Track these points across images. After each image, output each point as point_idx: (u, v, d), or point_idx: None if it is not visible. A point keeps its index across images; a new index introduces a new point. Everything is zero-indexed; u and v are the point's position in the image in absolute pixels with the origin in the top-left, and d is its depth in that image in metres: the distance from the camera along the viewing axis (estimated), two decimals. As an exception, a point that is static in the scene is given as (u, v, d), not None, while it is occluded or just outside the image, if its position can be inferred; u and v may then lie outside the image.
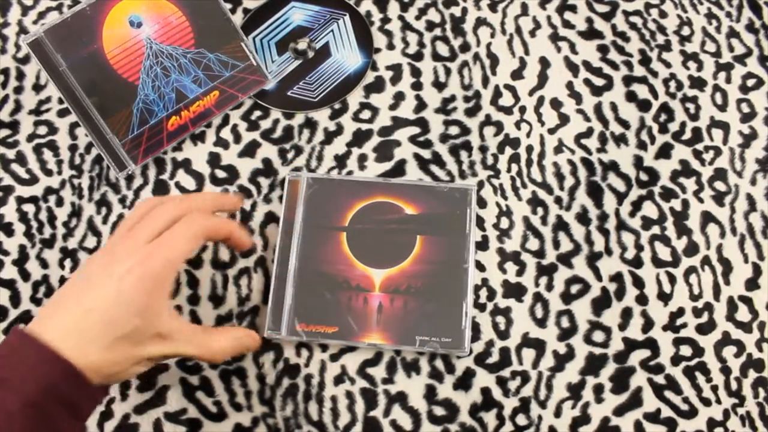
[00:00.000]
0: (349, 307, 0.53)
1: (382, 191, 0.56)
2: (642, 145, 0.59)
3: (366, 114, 0.60)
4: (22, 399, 0.35)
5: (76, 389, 0.37)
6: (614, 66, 0.61)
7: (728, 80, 0.61)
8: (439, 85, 0.60)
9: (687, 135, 0.60)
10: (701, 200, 0.58)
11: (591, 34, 0.62)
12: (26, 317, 0.54)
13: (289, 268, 0.53)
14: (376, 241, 0.54)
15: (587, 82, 0.61)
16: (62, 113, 0.59)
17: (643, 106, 0.60)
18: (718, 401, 0.53)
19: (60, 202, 0.57)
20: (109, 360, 0.39)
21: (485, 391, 0.53)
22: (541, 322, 0.54)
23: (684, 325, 0.55)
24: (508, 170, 0.58)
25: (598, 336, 0.54)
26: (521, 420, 0.52)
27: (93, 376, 0.38)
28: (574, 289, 0.55)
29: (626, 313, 0.55)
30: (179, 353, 0.43)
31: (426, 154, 0.58)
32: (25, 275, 0.55)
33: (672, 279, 0.56)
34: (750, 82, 0.61)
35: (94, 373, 0.38)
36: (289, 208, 0.55)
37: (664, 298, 0.55)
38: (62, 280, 0.55)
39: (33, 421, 0.35)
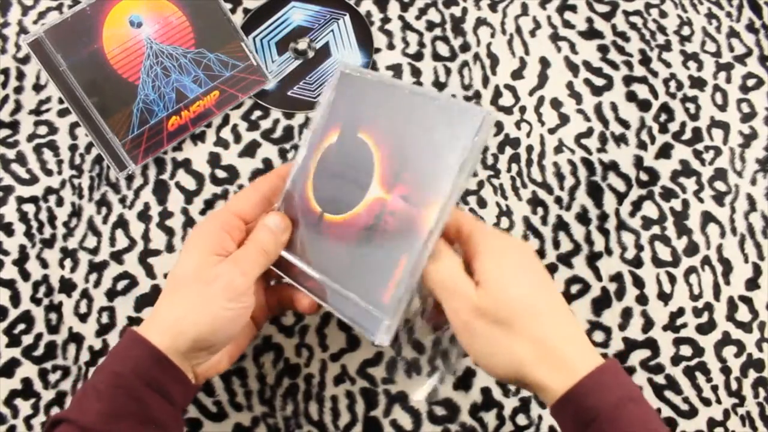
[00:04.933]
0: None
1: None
2: (642, 145, 0.59)
3: (366, 114, 0.60)
4: (111, 379, 0.38)
5: (162, 371, 0.39)
6: (614, 66, 0.61)
7: (728, 80, 0.61)
8: (439, 85, 0.60)
9: (687, 135, 0.60)
10: (701, 200, 0.58)
11: (591, 34, 0.62)
12: (26, 317, 0.54)
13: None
14: (343, 187, 0.45)
15: (587, 82, 0.61)
16: (62, 113, 0.59)
17: (643, 106, 0.60)
18: (718, 401, 0.53)
19: (60, 202, 0.57)
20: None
21: (485, 391, 0.53)
22: (541, 322, 0.54)
23: (684, 325, 0.55)
24: (508, 170, 0.58)
25: (598, 336, 0.54)
26: (521, 420, 0.52)
27: (179, 361, 0.40)
28: (575, 288, 0.55)
29: (626, 313, 0.55)
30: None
31: (426, 154, 0.58)
32: (25, 275, 0.55)
33: (672, 279, 0.56)
34: (750, 82, 0.61)
35: (180, 357, 0.40)
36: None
37: (664, 298, 0.55)
38: (62, 280, 0.55)
39: (122, 399, 0.37)
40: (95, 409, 0.37)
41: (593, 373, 0.37)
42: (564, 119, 0.60)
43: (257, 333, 0.48)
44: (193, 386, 0.41)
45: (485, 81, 0.61)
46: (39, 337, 0.54)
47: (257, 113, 0.60)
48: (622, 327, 0.54)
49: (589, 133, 0.59)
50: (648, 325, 0.54)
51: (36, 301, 0.55)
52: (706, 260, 0.56)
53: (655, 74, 0.61)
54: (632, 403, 0.37)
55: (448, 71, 0.61)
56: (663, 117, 0.60)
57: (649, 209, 0.57)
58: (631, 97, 0.60)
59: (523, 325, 0.38)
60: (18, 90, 0.60)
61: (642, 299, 0.55)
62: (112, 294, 0.55)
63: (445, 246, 0.41)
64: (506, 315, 0.38)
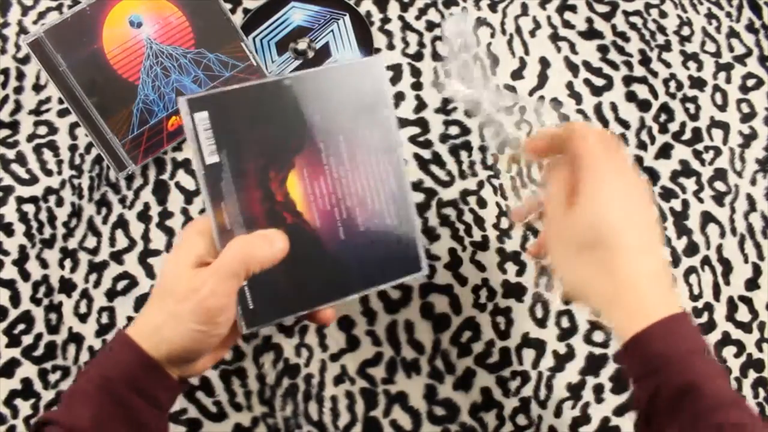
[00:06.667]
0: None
1: None
2: (642, 145, 0.59)
3: (366, 114, 0.59)
4: (100, 383, 0.37)
5: (151, 378, 0.38)
6: (614, 66, 0.61)
7: (728, 80, 0.61)
8: (440, 86, 0.60)
9: (687, 135, 0.60)
10: (701, 200, 0.58)
11: (591, 34, 0.62)
12: (26, 317, 0.54)
13: None
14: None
15: (587, 82, 0.61)
16: (62, 113, 0.59)
17: (643, 106, 0.60)
18: (718, 401, 0.53)
19: (60, 202, 0.57)
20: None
21: (485, 391, 0.53)
22: (541, 322, 0.54)
23: (684, 325, 0.54)
24: (508, 170, 0.58)
25: (598, 336, 0.54)
26: (521, 420, 0.52)
27: (165, 365, 0.39)
28: (574, 289, 0.55)
29: (626, 313, 0.55)
30: None
31: (426, 154, 0.58)
32: (25, 275, 0.55)
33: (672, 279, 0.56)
34: (750, 82, 0.61)
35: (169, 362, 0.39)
36: None
37: (664, 298, 0.55)
38: (62, 280, 0.55)
39: (110, 405, 0.37)
40: (84, 413, 0.37)
41: (663, 321, 0.37)
42: (564, 119, 0.60)
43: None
44: (179, 388, 0.40)
45: (485, 81, 0.61)
46: (39, 337, 0.54)
47: (257, 113, 0.60)
48: (622, 327, 0.54)
49: (589, 133, 0.59)
50: (648, 325, 0.54)
51: (36, 301, 0.55)
52: (706, 260, 0.56)
53: (655, 74, 0.61)
54: (697, 355, 0.37)
55: (447, 71, 0.61)
56: (663, 117, 0.60)
57: (649, 209, 0.57)
58: (631, 97, 0.60)
59: (605, 256, 0.38)
60: (18, 90, 0.60)
61: (642, 299, 0.55)
62: (111, 294, 0.55)
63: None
64: (590, 240, 0.38)
